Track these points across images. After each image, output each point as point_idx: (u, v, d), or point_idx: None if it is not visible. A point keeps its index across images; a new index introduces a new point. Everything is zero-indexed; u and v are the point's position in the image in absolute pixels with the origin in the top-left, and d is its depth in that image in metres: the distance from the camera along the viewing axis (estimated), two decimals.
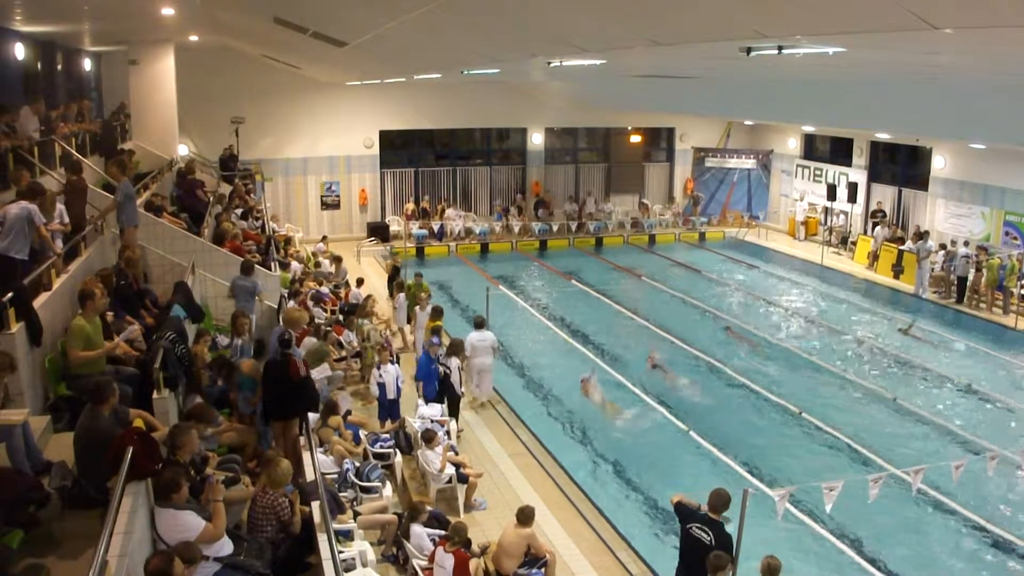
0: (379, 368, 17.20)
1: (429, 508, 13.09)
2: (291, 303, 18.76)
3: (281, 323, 15.02)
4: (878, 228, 33.55)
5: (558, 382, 20.89)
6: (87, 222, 15.01)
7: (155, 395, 10.63)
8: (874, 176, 35.56)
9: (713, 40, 9.40)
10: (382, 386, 17.02)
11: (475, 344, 18.63)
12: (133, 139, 26.98)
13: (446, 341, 18.23)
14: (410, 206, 38.27)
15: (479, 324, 19.34)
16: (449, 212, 38.43)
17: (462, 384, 17.75)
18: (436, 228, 37.33)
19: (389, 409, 17.13)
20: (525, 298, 28.67)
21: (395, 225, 37.68)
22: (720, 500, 10.32)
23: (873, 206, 34.91)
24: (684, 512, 10.65)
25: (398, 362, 19.30)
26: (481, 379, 18.81)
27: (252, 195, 29.33)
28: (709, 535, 10.09)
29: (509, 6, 10.32)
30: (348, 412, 16.33)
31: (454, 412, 17.31)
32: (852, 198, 34.75)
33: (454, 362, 17.31)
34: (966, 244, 28.75)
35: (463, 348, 17.98)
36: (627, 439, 17.86)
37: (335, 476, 13.41)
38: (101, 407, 8.62)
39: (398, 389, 17.32)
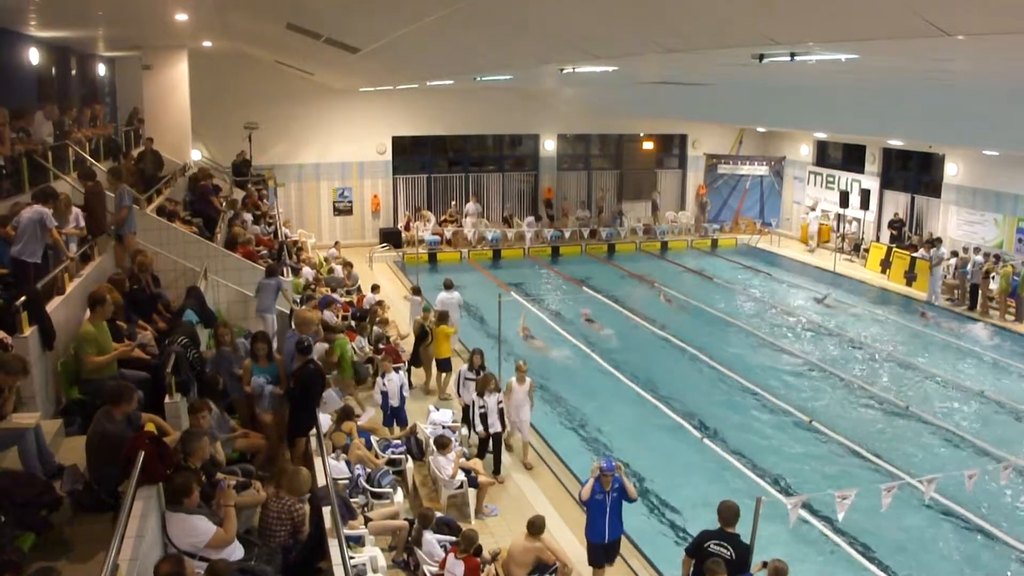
0: (383, 376, 17.21)
1: (439, 514, 13.09)
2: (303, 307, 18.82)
3: (293, 326, 15.03)
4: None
5: (570, 388, 20.88)
6: (104, 227, 15.08)
7: (167, 399, 10.65)
8: (887, 183, 35.48)
9: (726, 47, 9.40)
10: (385, 394, 17.03)
11: (444, 301, 21.97)
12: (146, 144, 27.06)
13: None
14: (408, 217, 38.45)
15: (448, 285, 22.65)
16: (469, 207, 38.41)
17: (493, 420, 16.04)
18: (448, 234, 37.41)
19: (393, 416, 17.17)
20: (537, 304, 28.62)
21: (419, 231, 37.75)
22: (730, 512, 10.29)
23: (889, 215, 34.89)
24: (698, 536, 10.61)
25: (409, 370, 19.40)
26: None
27: (265, 201, 29.38)
28: (729, 550, 10.04)
29: (521, 13, 10.34)
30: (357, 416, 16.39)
31: (493, 450, 16.25)
32: (865, 205, 34.62)
33: (492, 400, 16.05)
34: (977, 251, 28.67)
35: (495, 384, 16.45)
36: (640, 447, 17.85)
37: (346, 482, 13.41)
38: (116, 410, 8.65)
39: (402, 397, 17.35)
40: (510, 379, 16.62)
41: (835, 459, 17.51)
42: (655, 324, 26.56)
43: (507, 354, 19.87)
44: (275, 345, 17.09)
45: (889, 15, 6.27)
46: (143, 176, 21.27)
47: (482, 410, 15.95)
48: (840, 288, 31.40)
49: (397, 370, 17.73)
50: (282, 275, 19.74)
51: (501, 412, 16.07)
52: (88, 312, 11.39)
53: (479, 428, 15.99)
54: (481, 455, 15.89)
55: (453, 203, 39.34)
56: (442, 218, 38.67)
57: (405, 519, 13.08)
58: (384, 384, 17.05)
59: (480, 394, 16.03)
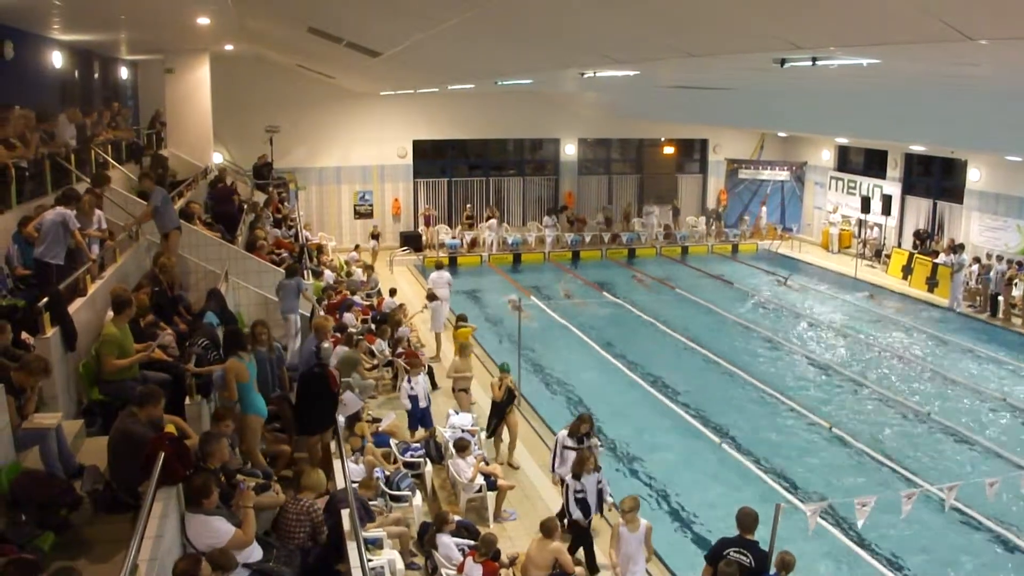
0: (410, 380, 17.18)
1: (457, 518, 13.08)
2: (322, 312, 18.88)
3: (312, 332, 15.07)
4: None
5: (588, 392, 20.86)
6: (122, 229, 15.17)
7: (187, 401, 10.69)
8: (908, 189, 35.30)
9: (747, 52, 9.38)
10: (414, 398, 16.97)
11: (435, 280, 24.03)
12: (169, 147, 27.19)
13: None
14: (427, 211, 38.57)
15: (439, 266, 24.96)
16: (491, 222, 38.11)
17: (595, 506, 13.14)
18: (468, 239, 37.49)
19: (420, 418, 17.08)
20: (556, 309, 28.59)
21: (443, 235, 38.04)
22: (749, 519, 10.25)
23: (911, 220, 34.84)
24: (717, 543, 10.58)
25: (430, 372, 19.36)
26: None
27: (286, 203, 29.48)
28: (748, 557, 10.00)
29: (542, 18, 10.34)
30: (377, 420, 16.40)
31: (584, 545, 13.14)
32: (886, 211, 34.46)
33: (591, 481, 13.05)
34: (1000, 259, 28.54)
35: (595, 462, 13.31)
36: (656, 451, 17.82)
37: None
38: (141, 412, 8.68)
39: (428, 399, 17.34)
40: (617, 524, 12.22)
41: (855, 465, 17.43)
42: (669, 326, 26.55)
43: (522, 359, 19.81)
44: (296, 344, 17.21)
45: (911, 20, 6.25)
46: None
47: (580, 495, 12.99)
48: (860, 293, 31.33)
49: (424, 373, 17.76)
50: (303, 277, 19.82)
51: (600, 493, 13.17)
52: (111, 313, 11.44)
53: (576, 514, 12.97)
54: (574, 548, 12.86)
55: (468, 206, 39.42)
56: (461, 221, 38.82)
57: (423, 522, 13.11)
58: (412, 387, 17.03)
59: (576, 476, 13.07)
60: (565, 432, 14.44)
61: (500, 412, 16.64)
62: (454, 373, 18.18)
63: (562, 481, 13.76)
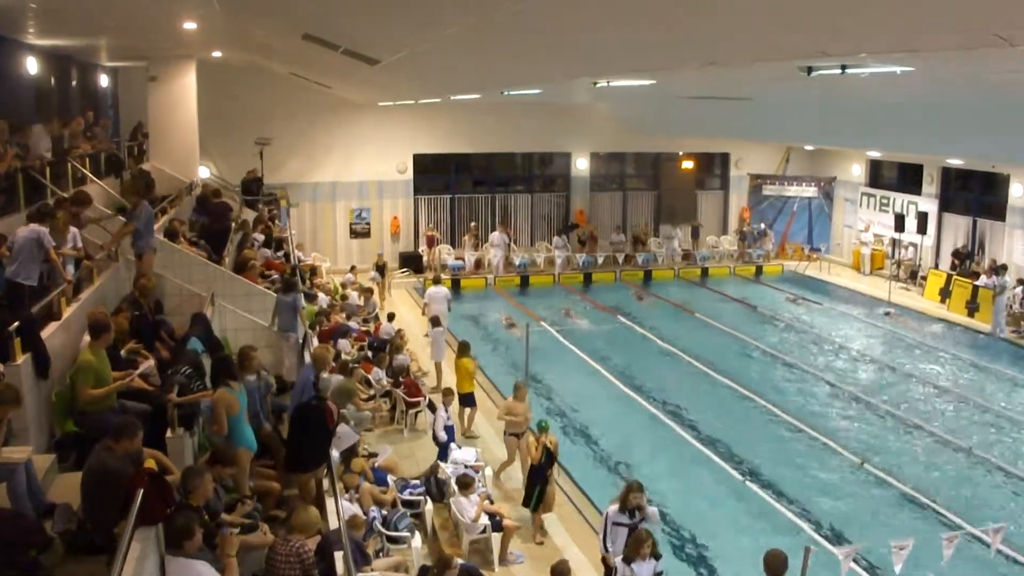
0: (446, 410, 17.16)
1: (461, 561, 12.98)
2: (315, 338, 18.82)
3: (308, 361, 15.03)
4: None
5: (601, 426, 20.75)
6: (100, 248, 15.16)
7: (168, 434, 10.61)
8: (946, 205, 35.19)
9: (773, 60, 9.36)
10: (450, 428, 16.99)
11: (432, 295, 25.36)
12: (151, 160, 27.20)
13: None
14: (430, 231, 38.54)
15: (436, 280, 26.92)
16: (493, 237, 37.78)
17: None
18: (472, 260, 37.44)
19: (445, 449, 17.10)
20: (567, 335, 28.51)
21: (446, 255, 38.03)
22: (778, 562, 10.18)
23: (948, 239, 34.76)
24: None
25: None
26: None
27: (277, 222, 29.42)
28: None
29: (551, 25, 10.33)
30: (373, 455, 16.34)
31: None
32: (922, 229, 34.35)
33: (646, 570, 11.62)
34: None
35: (651, 545, 11.68)
36: (676, 489, 17.71)
37: None
38: (117, 446, 8.62)
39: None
40: None
41: (890, 504, 17.29)
42: (690, 354, 26.46)
43: (530, 388, 19.74)
44: (292, 362, 17.21)
45: (949, 25, 6.22)
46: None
47: None
48: (880, 310, 31.24)
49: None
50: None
51: None
52: (87, 338, 11.39)
53: None
54: None
55: (473, 224, 39.25)
56: (468, 234, 38.73)
57: (422, 566, 13.01)
58: (448, 417, 17.04)
59: (628, 559, 11.60)
60: (615, 507, 12.65)
61: (541, 478, 15.15)
62: (507, 416, 16.97)
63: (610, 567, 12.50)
